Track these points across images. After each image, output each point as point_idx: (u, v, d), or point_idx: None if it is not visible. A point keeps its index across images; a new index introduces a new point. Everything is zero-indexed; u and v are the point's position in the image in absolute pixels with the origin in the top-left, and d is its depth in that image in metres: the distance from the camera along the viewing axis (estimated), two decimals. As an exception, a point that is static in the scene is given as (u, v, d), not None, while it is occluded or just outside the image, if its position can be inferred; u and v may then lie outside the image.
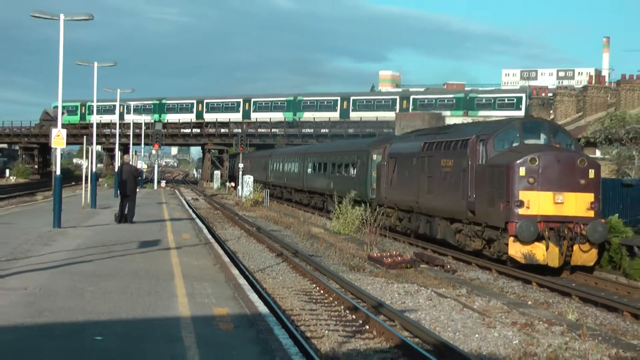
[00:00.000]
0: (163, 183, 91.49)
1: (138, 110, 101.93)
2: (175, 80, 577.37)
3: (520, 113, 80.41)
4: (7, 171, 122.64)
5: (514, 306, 19.06)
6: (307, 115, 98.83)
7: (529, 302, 20.20)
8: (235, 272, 19.46)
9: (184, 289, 16.07)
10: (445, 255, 29.00)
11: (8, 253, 20.75)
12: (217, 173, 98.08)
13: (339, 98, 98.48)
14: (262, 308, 14.50)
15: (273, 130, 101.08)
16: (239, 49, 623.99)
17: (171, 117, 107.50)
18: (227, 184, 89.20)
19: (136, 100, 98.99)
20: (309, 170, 58.21)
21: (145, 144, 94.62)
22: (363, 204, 37.54)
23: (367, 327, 15.87)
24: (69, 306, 13.68)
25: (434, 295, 19.95)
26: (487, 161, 26.65)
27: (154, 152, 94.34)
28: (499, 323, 16.68)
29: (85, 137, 52.41)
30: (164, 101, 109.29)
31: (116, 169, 50.95)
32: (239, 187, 66.43)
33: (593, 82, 67.98)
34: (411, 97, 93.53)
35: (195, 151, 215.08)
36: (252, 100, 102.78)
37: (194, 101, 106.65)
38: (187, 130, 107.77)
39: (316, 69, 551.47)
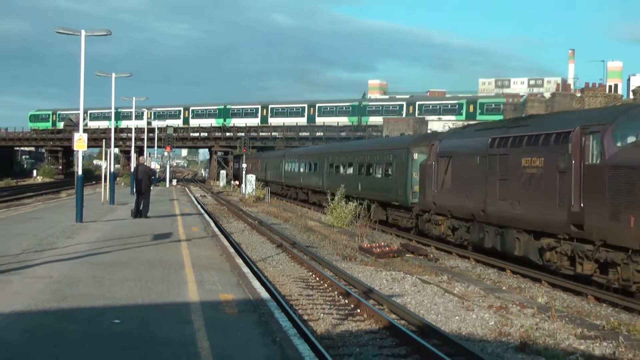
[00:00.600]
0: (174, 182, 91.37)
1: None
2: (186, 88, 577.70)
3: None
4: (35, 172, 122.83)
5: (490, 291, 19.06)
6: (277, 121, 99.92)
7: (504, 288, 20.20)
8: (240, 261, 19.45)
9: (193, 277, 16.05)
10: (428, 245, 28.98)
11: (36, 244, 20.74)
12: (222, 172, 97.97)
13: (306, 105, 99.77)
14: (264, 294, 14.49)
15: (273, 133, 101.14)
16: (243, 60, 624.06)
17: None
18: (232, 182, 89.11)
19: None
20: (330, 170, 48.97)
21: (159, 147, 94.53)
22: (402, 209, 33.71)
23: (359, 310, 15.86)
24: (90, 293, 13.67)
25: (419, 281, 19.95)
26: (606, 160, 18.00)
27: (166, 154, 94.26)
28: (476, 306, 16.68)
29: (104, 140, 52.35)
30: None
31: (132, 169, 50.86)
32: (243, 185, 66.35)
33: (560, 89, 68.32)
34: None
35: (203, 152, 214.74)
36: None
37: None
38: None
39: (313, 78, 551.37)
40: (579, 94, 67.31)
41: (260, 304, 13.27)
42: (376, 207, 37.12)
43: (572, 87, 78.07)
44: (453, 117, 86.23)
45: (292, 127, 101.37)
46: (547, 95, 79.28)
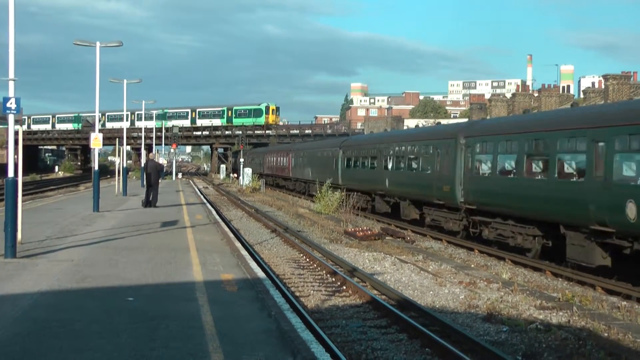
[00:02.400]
0: (180, 175, 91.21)
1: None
2: (190, 92, 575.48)
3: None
4: (56, 167, 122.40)
5: (461, 269, 19.11)
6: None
7: (472, 266, 20.25)
8: (239, 245, 19.43)
9: (197, 259, 16.03)
10: (406, 229, 29.00)
11: (58, 232, 20.67)
12: (222, 166, 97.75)
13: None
14: (260, 273, 14.48)
15: (266, 131, 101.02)
16: (238, 67, 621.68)
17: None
18: (231, 175, 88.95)
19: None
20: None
21: (166, 144, 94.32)
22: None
23: (344, 287, 15.87)
24: (106, 274, 13.63)
25: (397, 261, 19.97)
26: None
27: (172, 150, 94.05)
28: (448, 282, 16.71)
29: (117, 139, 52.12)
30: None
31: (142, 165, 50.73)
32: (241, 178, 66.23)
33: (520, 90, 68.33)
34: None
35: (205, 149, 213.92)
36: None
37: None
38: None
39: (299, 82, 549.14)
40: (536, 94, 67.46)
41: (257, 283, 13.26)
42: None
43: (530, 88, 78.21)
44: (218, 121, 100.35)
45: (284, 126, 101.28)
46: (509, 95, 79.48)
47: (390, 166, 32.87)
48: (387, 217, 32.60)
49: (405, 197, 30.48)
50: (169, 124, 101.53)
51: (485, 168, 23.42)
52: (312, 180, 44.77)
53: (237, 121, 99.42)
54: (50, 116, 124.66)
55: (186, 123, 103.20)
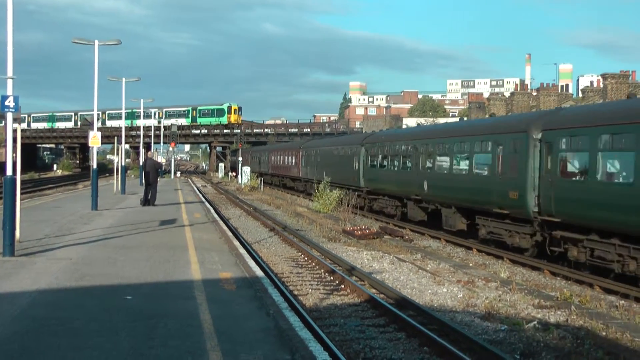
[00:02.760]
0: (178, 174, 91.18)
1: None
2: (189, 91, 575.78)
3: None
4: (55, 166, 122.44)
5: (459, 267, 19.12)
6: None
7: (471, 264, 20.27)
8: (237, 243, 19.43)
9: (196, 257, 16.02)
10: (404, 228, 29.00)
11: (57, 230, 20.66)
12: (221, 165, 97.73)
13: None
14: (259, 272, 14.48)
15: (265, 130, 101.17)
16: (237, 66, 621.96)
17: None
18: (230, 173, 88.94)
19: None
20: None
21: (164, 143, 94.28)
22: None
23: (343, 286, 15.87)
24: (105, 272, 13.63)
25: (395, 260, 19.98)
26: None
27: (170, 149, 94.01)
28: (447, 281, 16.72)
29: (116, 137, 52.09)
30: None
31: (141, 163, 50.70)
32: (239, 176, 66.20)
33: (518, 89, 68.42)
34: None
35: (204, 147, 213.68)
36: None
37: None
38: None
39: (297, 81, 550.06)
40: (535, 93, 67.50)
41: (256, 281, 13.26)
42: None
43: (529, 87, 78.32)
44: (184, 120, 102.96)
45: (283, 124, 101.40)
46: (507, 94, 79.47)
47: (429, 166, 27.94)
48: (422, 225, 28.88)
49: (450, 203, 25.66)
50: (137, 123, 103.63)
51: (575, 170, 18.75)
52: (328, 182, 39.00)
53: (201, 120, 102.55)
54: (26, 115, 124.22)
55: (154, 123, 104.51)
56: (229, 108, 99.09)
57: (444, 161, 26.66)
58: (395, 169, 32.10)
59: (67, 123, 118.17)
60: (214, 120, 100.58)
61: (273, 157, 67.06)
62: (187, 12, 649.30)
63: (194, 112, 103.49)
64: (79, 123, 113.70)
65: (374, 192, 34.76)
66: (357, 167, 37.48)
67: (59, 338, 8.64)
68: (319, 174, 44.38)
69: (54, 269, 13.71)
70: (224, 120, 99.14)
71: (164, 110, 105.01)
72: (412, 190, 29.14)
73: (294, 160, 57.12)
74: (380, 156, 34.55)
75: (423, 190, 27.86)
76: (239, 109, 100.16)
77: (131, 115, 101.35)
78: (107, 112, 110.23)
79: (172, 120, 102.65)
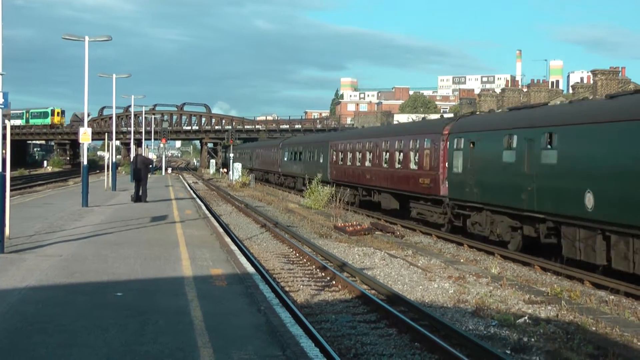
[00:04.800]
0: (169, 170, 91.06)
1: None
2: (179, 87, 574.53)
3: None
4: (45, 162, 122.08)
5: (450, 263, 19.13)
6: None
7: (462, 260, 20.28)
8: (228, 240, 19.40)
9: (187, 254, 16.00)
10: (395, 224, 29.02)
11: (47, 227, 20.60)
12: (212, 161, 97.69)
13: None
14: (250, 268, 14.46)
15: (256, 126, 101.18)
16: (229, 61, 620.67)
17: None
18: (221, 170, 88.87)
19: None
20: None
21: (155, 139, 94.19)
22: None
23: (334, 282, 15.87)
24: (95, 269, 13.59)
25: (387, 256, 19.98)
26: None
27: (161, 145, 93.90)
28: (438, 277, 16.74)
29: (106, 134, 52.01)
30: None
31: (132, 159, 50.63)
32: (231, 173, 66.14)
33: (509, 85, 68.67)
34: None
35: (195, 143, 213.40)
36: None
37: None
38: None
39: (289, 77, 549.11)
40: (525, 90, 67.64)
41: (247, 278, 13.24)
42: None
43: (519, 83, 78.65)
44: (20, 121, 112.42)
45: (274, 121, 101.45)
46: (498, 90, 79.69)
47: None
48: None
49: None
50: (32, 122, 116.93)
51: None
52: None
53: (32, 121, 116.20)
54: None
55: (20, 122, 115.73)
56: (52, 111, 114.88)
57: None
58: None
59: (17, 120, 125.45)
60: (39, 122, 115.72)
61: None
62: (176, 7, 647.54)
63: (27, 114, 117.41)
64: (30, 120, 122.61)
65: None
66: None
67: (48, 335, 8.60)
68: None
69: (44, 266, 13.67)
70: (48, 121, 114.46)
71: (30, 111, 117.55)
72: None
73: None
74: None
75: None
76: (62, 112, 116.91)
77: (23, 115, 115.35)
78: (30, 111, 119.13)
79: (18, 121, 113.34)
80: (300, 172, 49.17)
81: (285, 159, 56.68)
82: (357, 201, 36.65)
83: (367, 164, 34.66)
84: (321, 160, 44.25)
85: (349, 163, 38.30)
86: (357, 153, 36.54)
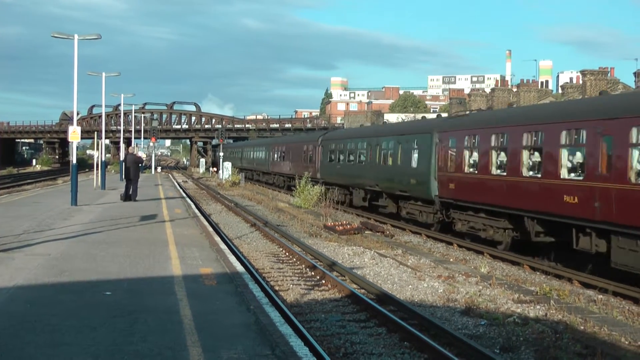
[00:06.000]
0: (159, 169, 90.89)
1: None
2: (168, 86, 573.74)
3: None
4: (34, 161, 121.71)
5: (439, 263, 19.17)
6: None
7: (451, 260, 20.33)
8: (218, 239, 19.37)
9: (176, 253, 15.97)
10: (385, 223, 29.05)
11: (35, 226, 20.52)
12: (202, 160, 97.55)
13: None
14: (239, 267, 14.45)
15: (247, 125, 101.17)
16: (218, 60, 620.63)
17: None
18: (211, 169, 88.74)
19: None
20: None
21: (145, 138, 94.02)
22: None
23: (324, 281, 15.88)
24: (84, 268, 13.55)
25: (376, 255, 20.01)
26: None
27: (151, 144, 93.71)
28: (427, 276, 16.77)
29: (96, 132, 51.88)
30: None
31: (121, 158, 50.51)
32: (220, 172, 66.05)
33: (499, 85, 68.78)
34: None
35: (184, 142, 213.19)
36: None
37: None
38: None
39: (278, 76, 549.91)
40: (515, 89, 67.78)
41: (236, 277, 13.23)
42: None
43: (509, 83, 78.84)
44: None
45: (263, 120, 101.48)
46: (488, 90, 79.86)
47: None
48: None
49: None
50: None
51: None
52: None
53: None
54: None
55: None
56: None
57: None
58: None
59: None
60: None
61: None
62: (166, 6, 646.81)
63: None
64: None
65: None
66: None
67: (37, 334, 8.58)
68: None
69: (32, 265, 13.62)
70: None
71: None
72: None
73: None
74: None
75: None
76: None
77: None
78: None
79: None
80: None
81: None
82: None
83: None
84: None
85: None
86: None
